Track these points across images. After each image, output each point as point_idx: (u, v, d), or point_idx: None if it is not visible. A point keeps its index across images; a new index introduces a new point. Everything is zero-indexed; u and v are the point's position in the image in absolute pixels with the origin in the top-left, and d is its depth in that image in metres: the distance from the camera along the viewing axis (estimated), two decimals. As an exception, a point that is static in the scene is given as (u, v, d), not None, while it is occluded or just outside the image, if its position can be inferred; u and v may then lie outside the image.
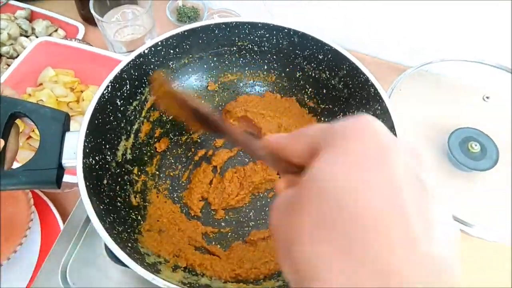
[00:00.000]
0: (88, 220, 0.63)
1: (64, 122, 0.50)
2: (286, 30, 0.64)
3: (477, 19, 0.76)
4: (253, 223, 0.62)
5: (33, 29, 0.90)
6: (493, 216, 0.68)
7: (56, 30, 0.92)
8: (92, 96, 0.76)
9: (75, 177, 0.48)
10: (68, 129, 0.51)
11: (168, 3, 0.97)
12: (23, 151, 0.68)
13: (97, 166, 0.53)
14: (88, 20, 0.94)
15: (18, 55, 0.83)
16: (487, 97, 0.79)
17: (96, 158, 0.53)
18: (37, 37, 0.89)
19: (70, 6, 0.96)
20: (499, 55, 0.79)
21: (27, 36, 0.89)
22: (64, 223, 0.67)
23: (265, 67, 0.70)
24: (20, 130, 0.69)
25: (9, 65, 0.78)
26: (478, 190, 0.72)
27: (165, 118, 0.68)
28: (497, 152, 0.72)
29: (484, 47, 0.80)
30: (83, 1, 0.90)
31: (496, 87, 0.81)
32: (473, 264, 0.67)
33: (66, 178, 0.52)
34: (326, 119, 0.68)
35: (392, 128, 0.53)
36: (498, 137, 0.73)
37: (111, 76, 0.56)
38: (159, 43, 0.61)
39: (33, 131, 0.72)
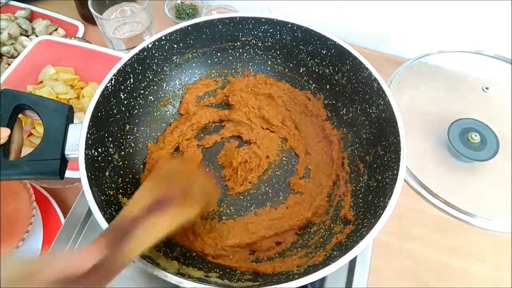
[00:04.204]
0: (89, 214, 0.63)
1: (67, 114, 0.50)
2: (289, 25, 0.64)
3: (475, 10, 0.77)
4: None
5: (33, 28, 0.91)
6: (494, 206, 0.69)
7: (56, 29, 0.92)
8: (92, 92, 0.77)
9: (76, 173, 0.48)
10: (72, 122, 0.52)
11: (166, 1, 0.98)
12: (24, 148, 0.68)
13: (99, 158, 0.53)
14: (88, 19, 0.95)
15: (18, 54, 0.83)
16: (487, 88, 0.80)
17: (99, 150, 0.53)
18: (37, 36, 0.89)
19: (70, 5, 0.97)
20: (498, 46, 0.79)
21: (27, 36, 0.90)
22: (65, 218, 0.67)
23: (269, 62, 0.70)
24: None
25: (9, 65, 0.78)
26: (478, 180, 0.72)
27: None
28: (497, 142, 0.72)
29: (483, 38, 0.80)
30: (82, 0, 0.90)
31: (496, 77, 0.81)
32: (474, 254, 0.68)
33: (68, 173, 0.52)
34: (329, 115, 0.68)
35: (394, 122, 0.53)
36: (498, 127, 0.74)
37: (114, 70, 0.56)
38: (163, 37, 0.61)
39: (34, 127, 0.72)
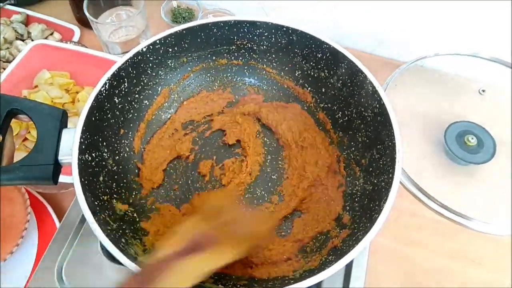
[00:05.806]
0: (84, 219, 0.63)
1: (61, 119, 0.50)
2: (284, 29, 0.63)
3: (471, 12, 0.77)
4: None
5: (29, 33, 0.91)
6: (491, 209, 0.68)
7: (51, 34, 0.92)
8: (87, 97, 0.77)
9: (71, 177, 0.48)
10: (66, 126, 0.51)
11: (162, 4, 0.97)
12: (19, 153, 0.68)
13: (93, 163, 0.52)
14: (84, 23, 0.94)
15: (14, 58, 0.83)
16: (483, 90, 0.80)
17: (93, 154, 0.53)
18: (32, 40, 0.89)
19: (66, 9, 0.96)
20: (494, 48, 0.79)
21: (23, 40, 0.90)
22: (60, 223, 0.66)
23: (264, 65, 0.70)
24: (16, 133, 0.70)
25: (5, 69, 0.78)
26: (475, 183, 0.72)
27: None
28: (494, 145, 0.72)
29: (479, 41, 0.80)
30: (78, 5, 0.90)
31: (492, 80, 0.81)
32: (472, 257, 0.68)
33: (62, 178, 0.52)
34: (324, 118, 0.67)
35: (389, 126, 0.53)
36: (494, 130, 0.73)
37: (108, 74, 0.56)
38: (158, 41, 0.61)
39: (29, 132, 0.72)
